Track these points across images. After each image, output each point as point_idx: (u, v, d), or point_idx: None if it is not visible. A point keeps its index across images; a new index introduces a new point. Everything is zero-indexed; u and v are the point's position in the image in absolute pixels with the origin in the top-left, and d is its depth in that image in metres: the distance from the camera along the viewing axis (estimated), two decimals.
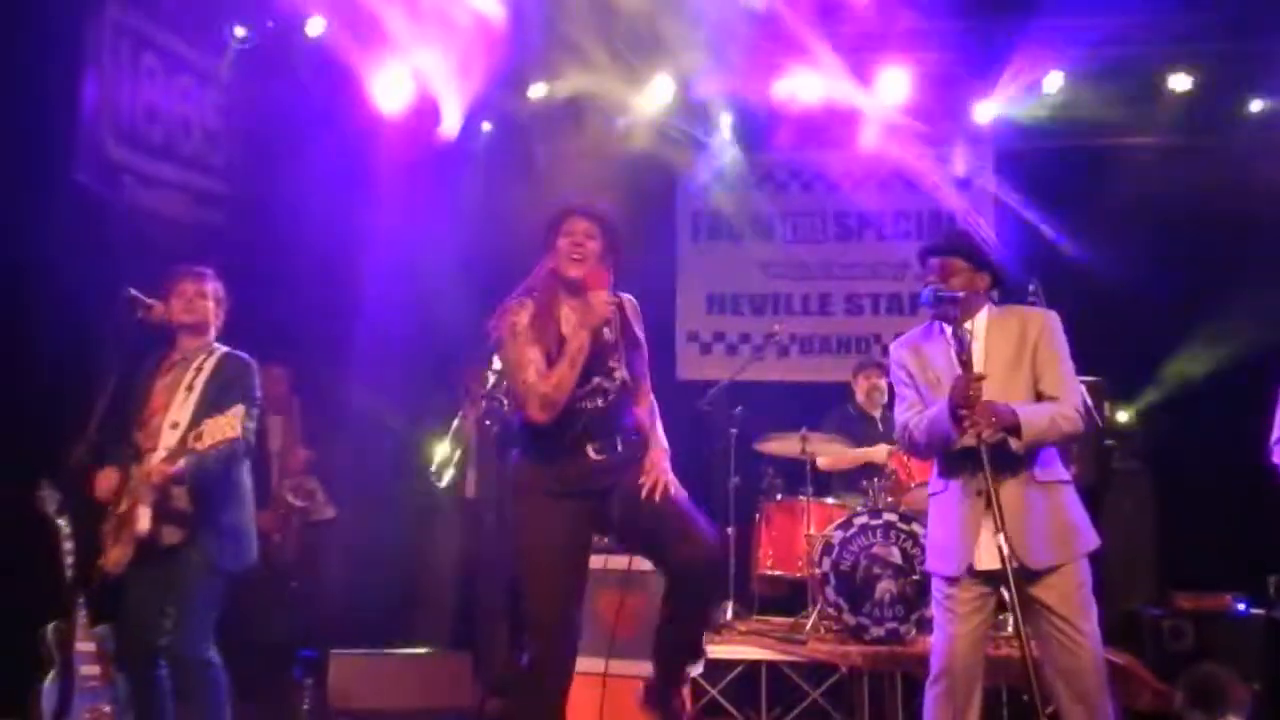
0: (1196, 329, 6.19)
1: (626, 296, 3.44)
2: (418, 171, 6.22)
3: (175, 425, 3.69)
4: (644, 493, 3.25)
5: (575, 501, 3.33)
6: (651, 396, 3.49)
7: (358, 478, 5.64)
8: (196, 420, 3.65)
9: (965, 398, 3.05)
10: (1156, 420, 6.10)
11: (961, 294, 3.24)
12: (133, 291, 3.72)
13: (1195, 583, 5.23)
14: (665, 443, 3.42)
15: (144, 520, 3.62)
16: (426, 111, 6.34)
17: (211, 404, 3.69)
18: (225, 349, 3.90)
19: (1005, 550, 2.96)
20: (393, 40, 5.98)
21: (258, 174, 5.97)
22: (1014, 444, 3.12)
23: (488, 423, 5.31)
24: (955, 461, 3.28)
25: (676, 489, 3.31)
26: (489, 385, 5.39)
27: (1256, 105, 6.35)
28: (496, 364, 5.32)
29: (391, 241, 6.10)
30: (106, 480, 3.74)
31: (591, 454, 3.31)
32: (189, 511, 3.70)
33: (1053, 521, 3.20)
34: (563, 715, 3.36)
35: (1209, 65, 6.20)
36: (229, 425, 3.46)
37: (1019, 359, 3.27)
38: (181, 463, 3.57)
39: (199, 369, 3.80)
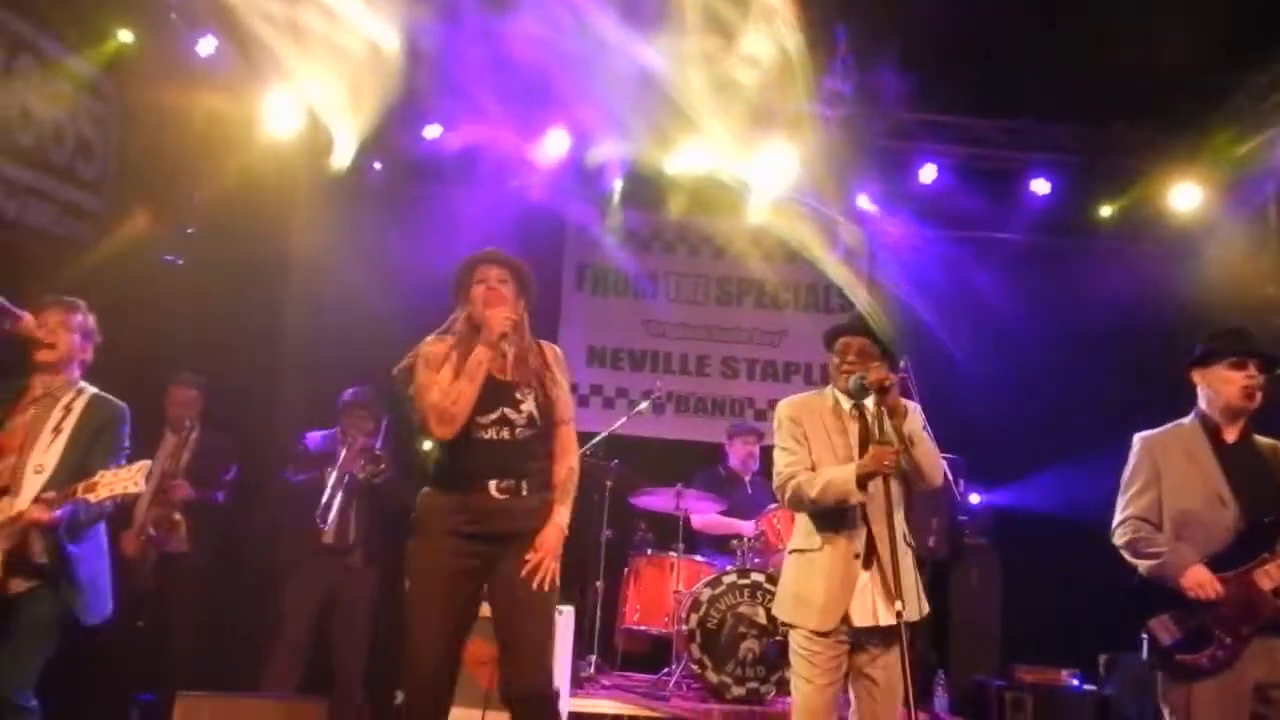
0: (1049, 428, 6.54)
1: (550, 345, 3.54)
2: (308, 202, 6.09)
3: (40, 469, 3.52)
4: (524, 571, 3.28)
5: (471, 544, 3.33)
6: (573, 458, 3.50)
7: (227, 512, 5.40)
8: (66, 465, 3.51)
9: (882, 466, 3.25)
10: (1007, 512, 6.42)
11: (890, 381, 3.36)
12: (1, 300, 3.52)
13: (1035, 657, 5.52)
14: (566, 517, 3.41)
15: None
16: (319, 141, 6.23)
17: (84, 450, 3.55)
18: (94, 390, 3.73)
19: (900, 608, 3.16)
20: (285, 67, 5.87)
21: (134, 192, 5.73)
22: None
23: (370, 476, 5.20)
24: (833, 522, 3.43)
25: (554, 582, 3.32)
26: (369, 432, 5.31)
27: (1106, 210, 6.88)
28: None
29: (279, 273, 5.95)
30: None
31: (494, 491, 3.33)
32: (42, 561, 3.50)
33: (913, 583, 3.44)
34: None
35: (1066, 172, 6.69)
36: (130, 481, 3.31)
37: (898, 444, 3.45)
38: (59, 511, 3.39)
39: (67, 409, 3.63)
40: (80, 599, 3.56)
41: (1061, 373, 6.50)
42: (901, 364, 5.55)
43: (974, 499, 6.25)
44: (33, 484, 3.48)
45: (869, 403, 3.47)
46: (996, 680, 5.39)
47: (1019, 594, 6.06)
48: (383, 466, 5.17)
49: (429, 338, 3.44)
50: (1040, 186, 6.72)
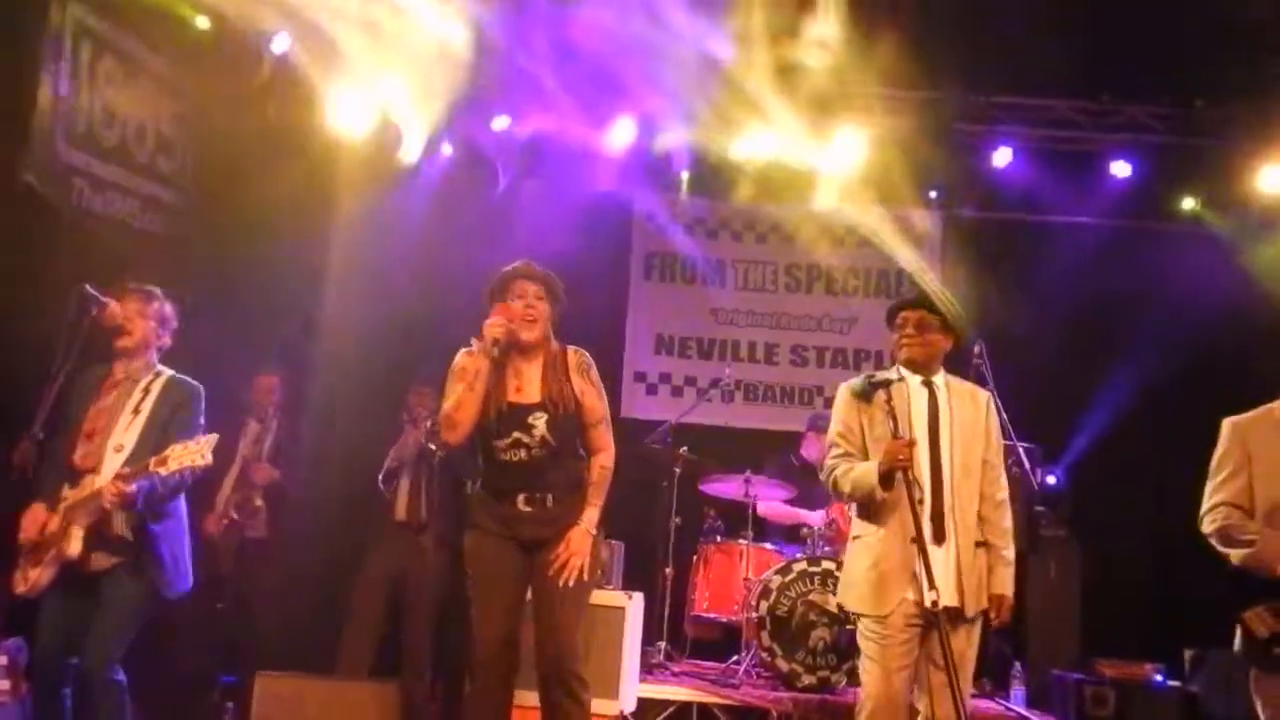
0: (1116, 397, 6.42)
1: (576, 351, 3.64)
2: (377, 193, 6.18)
3: (119, 448, 3.64)
4: (551, 570, 3.46)
5: (510, 544, 3.56)
6: (606, 456, 3.63)
7: (301, 496, 5.53)
8: (145, 443, 3.61)
9: (896, 462, 3.26)
10: (1081, 479, 6.27)
11: (896, 378, 3.45)
12: (88, 288, 3.64)
13: (1115, 650, 5.38)
14: (594, 517, 3.55)
15: (75, 543, 3.54)
16: (388, 136, 6.32)
17: (161, 428, 3.66)
18: (171, 372, 3.84)
19: (936, 597, 3.15)
20: (355, 63, 5.95)
21: (211, 186, 5.89)
22: None
23: (432, 447, 5.31)
24: (886, 508, 3.41)
25: (581, 577, 3.48)
26: (435, 411, 5.39)
27: (1188, 203, 6.67)
28: None
29: (349, 262, 6.05)
30: (33, 518, 3.64)
31: (521, 505, 3.53)
32: (125, 537, 3.63)
33: (981, 576, 3.44)
34: None
35: (1148, 157, 6.49)
36: (199, 454, 3.43)
37: (976, 425, 3.50)
38: (134, 486, 3.49)
39: (146, 390, 3.75)
40: (162, 574, 3.68)
41: (1141, 358, 6.31)
42: (976, 351, 5.45)
43: (1050, 480, 6.09)
44: (113, 462, 3.61)
45: (900, 391, 3.45)
46: (1076, 674, 5.25)
47: (1099, 585, 5.91)
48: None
49: (461, 350, 3.58)
50: (1120, 169, 6.52)
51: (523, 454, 3.51)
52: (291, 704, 4.50)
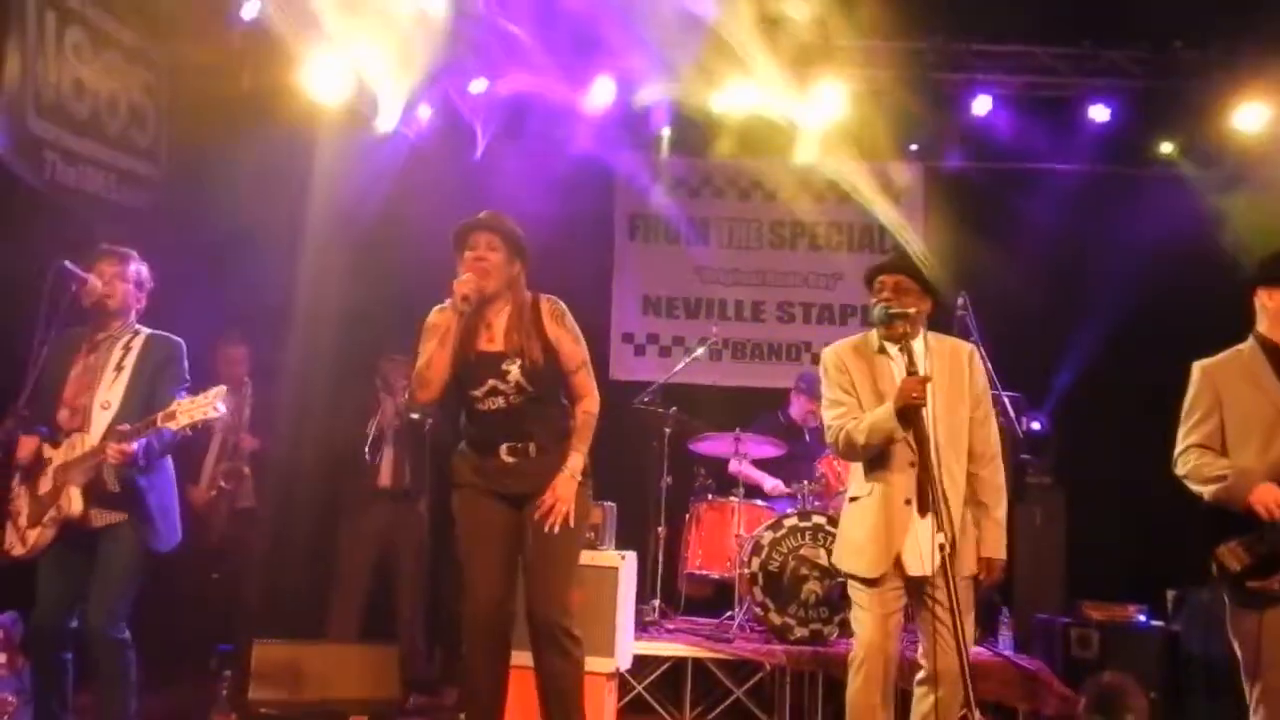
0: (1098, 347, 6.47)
1: (548, 299, 3.59)
2: (355, 159, 6.13)
3: (106, 405, 3.65)
4: (538, 514, 3.44)
5: (496, 499, 3.55)
6: (589, 402, 3.59)
7: (282, 465, 5.54)
8: (131, 399, 3.62)
9: (910, 399, 3.22)
10: (1064, 426, 6.31)
11: (913, 311, 3.41)
12: (67, 264, 3.62)
13: (1101, 594, 5.45)
14: (579, 462, 3.51)
15: (76, 503, 3.55)
16: (365, 102, 6.25)
17: (147, 383, 3.67)
18: (150, 330, 3.84)
19: (945, 552, 3.08)
20: (330, 29, 5.88)
21: (186, 157, 5.83)
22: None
23: (414, 416, 5.32)
24: (883, 467, 3.43)
25: (567, 523, 3.45)
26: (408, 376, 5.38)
27: (1167, 147, 6.65)
28: None
29: (326, 229, 6.01)
30: (28, 445, 3.66)
31: (504, 455, 3.51)
32: (118, 493, 3.64)
33: (971, 537, 3.45)
34: (502, 695, 3.59)
35: (1127, 101, 6.46)
36: (209, 405, 3.44)
37: (960, 386, 3.49)
38: (135, 444, 3.51)
39: (127, 348, 3.76)
40: (152, 528, 3.70)
41: (1123, 304, 6.33)
42: (960, 302, 5.46)
43: (1035, 426, 6.11)
44: (101, 420, 3.63)
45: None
46: (1062, 618, 5.32)
47: (1083, 531, 5.97)
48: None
49: (434, 308, 3.55)
50: (1099, 113, 6.49)
51: (501, 401, 3.49)
52: (289, 670, 4.56)
